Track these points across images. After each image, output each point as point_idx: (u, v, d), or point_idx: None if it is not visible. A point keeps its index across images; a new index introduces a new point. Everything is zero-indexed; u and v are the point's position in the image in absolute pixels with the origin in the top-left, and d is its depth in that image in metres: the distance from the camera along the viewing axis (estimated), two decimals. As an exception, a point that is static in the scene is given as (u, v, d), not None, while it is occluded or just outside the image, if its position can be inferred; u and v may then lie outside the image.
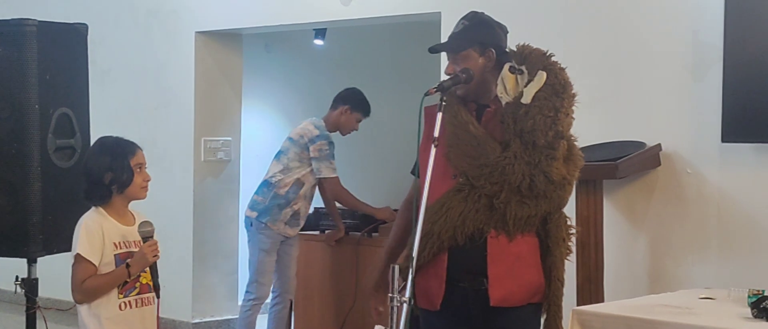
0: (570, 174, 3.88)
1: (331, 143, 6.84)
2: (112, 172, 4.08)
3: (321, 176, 6.79)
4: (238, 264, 8.80)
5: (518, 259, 3.84)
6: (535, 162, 3.77)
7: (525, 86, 3.79)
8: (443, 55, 6.34)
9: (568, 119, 3.85)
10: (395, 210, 6.78)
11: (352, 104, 7.01)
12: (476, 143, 3.82)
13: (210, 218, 8.60)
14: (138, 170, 4.15)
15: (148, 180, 4.21)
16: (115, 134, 4.29)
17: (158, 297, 4.16)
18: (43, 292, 4.96)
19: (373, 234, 7.03)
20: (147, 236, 4.12)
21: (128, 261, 4.06)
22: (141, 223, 4.15)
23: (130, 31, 8.93)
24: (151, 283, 4.16)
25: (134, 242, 4.13)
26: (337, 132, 7.03)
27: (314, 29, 8.95)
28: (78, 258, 4.00)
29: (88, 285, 3.99)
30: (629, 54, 6.03)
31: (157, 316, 4.19)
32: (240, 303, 8.68)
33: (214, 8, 8.40)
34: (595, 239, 5.70)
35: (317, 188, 6.96)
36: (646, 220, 5.93)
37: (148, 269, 4.13)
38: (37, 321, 4.90)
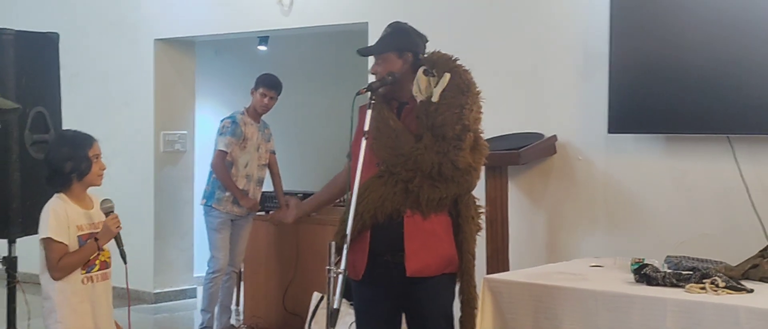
0: (476, 162, 3.89)
1: (234, 123, 6.73)
2: (72, 161, 3.97)
3: (216, 148, 6.72)
4: (194, 241, 8.75)
5: (432, 235, 3.84)
6: (444, 152, 3.78)
7: (434, 87, 3.80)
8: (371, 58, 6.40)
9: (473, 114, 3.85)
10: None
11: (255, 86, 6.94)
12: (395, 136, 3.83)
13: (168, 202, 8.52)
14: (95, 159, 4.03)
15: (104, 169, 4.08)
16: (84, 130, 4.19)
17: (126, 262, 4.07)
18: (22, 268, 4.87)
19: (312, 214, 6.99)
20: (108, 211, 4.04)
21: (96, 234, 3.98)
22: (102, 201, 4.06)
23: (96, 39, 8.78)
24: (108, 260, 4.07)
25: (95, 223, 4.04)
26: (264, 115, 6.93)
27: (258, 37, 8.91)
28: (49, 240, 3.88)
29: (64, 262, 3.89)
30: (529, 60, 6.07)
31: (127, 287, 4.08)
32: (195, 274, 8.65)
33: (170, 18, 8.30)
34: (502, 216, 5.74)
35: (267, 167, 6.93)
36: (544, 200, 5.98)
37: (111, 242, 4.06)
38: (17, 294, 4.82)
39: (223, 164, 6.69)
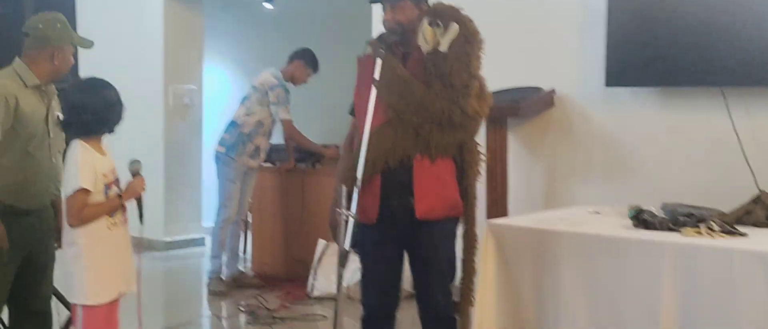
0: (481, 109, 3.87)
1: (287, 91, 6.81)
2: (117, 108, 3.87)
3: (278, 118, 6.77)
4: (201, 192, 8.76)
5: (439, 179, 3.83)
6: (454, 99, 3.76)
7: (442, 37, 3.78)
8: (374, 12, 6.38)
9: (477, 62, 3.84)
10: (337, 147, 6.79)
11: (306, 60, 6.97)
12: (403, 84, 3.80)
13: (178, 154, 8.54)
14: None
15: None
16: None
17: (142, 223, 4.03)
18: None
19: (317, 165, 7.02)
20: (136, 172, 3.97)
21: (120, 193, 3.90)
22: (131, 161, 3.97)
23: (108, -4, 8.76)
24: (125, 205, 3.97)
25: (114, 169, 3.97)
26: (291, 83, 6.97)
27: (264, -6, 8.87)
28: (80, 189, 3.76)
29: (86, 212, 3.81)
30: (530, 16, 6.04)
31: (140, 237, 4.05)
32: (203, 224, 8.67)
33: (179, -24, 8.26)
34: (501, 166, 5.74)
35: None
36: (543, 151, 5.97)
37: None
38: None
39: (298, 131, 6.85)
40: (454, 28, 3.75)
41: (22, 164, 4.02)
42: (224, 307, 6.52)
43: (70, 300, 3.90)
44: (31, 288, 4.18)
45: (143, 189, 3.97)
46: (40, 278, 4.21)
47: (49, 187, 4.11)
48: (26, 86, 4.03)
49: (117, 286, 3.92)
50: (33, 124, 4.02)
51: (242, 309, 6.32)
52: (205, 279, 7.03)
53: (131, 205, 3.98)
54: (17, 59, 4.08)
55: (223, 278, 6.88)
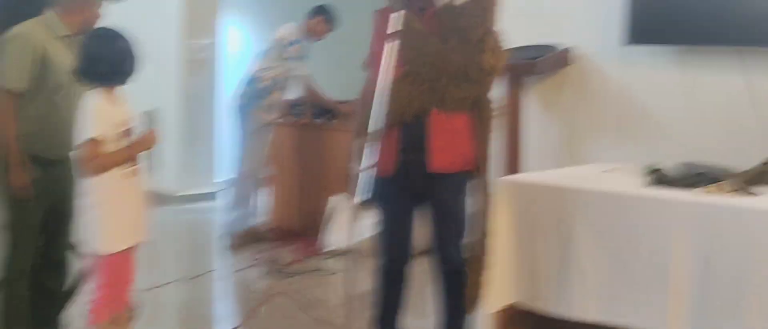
0: (496, 64, 3.86)
1: (305, 47, 6.80)
2: (129, 60, 3.81)
3: (296, 73, 6.77)
4: (216, 146, 8.79)
5: (455, 133, 3.84)
6: (470, 54, 3.76)
7: None
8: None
9: (493, 16, 3.83)
10: (353, 103, 6.78)
11: (327, 17, 6.94)
12: (420, 38, 3.80)
13: (193, 109, 8.55)
14: None
15: None
16: None
17: (154, 176, 4.04)
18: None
19: (333, 121, 7.03)
20: (150, 124, 3.93)
21: (132, 143, 3.94)
22: (146, 113, 3.99)
23: (124, -51, 8.72)
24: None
25: (127, 119, 3.98)
26: (310, 38, 6.95)
27: (281, -54, 8.81)
28: (92, 139, 3.73)
29: (98, 163, 3.80)
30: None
31: (153, 190, 4.05)
32: (217, 179, 8.71)
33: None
34: (516, 124, 5.75)
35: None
36: (559, 109, 5.96)
37: None
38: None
39: (315, 86, 6.89)
40: None
41: (47, 113, 4.05)
42: (237, 260, 6.56)
43: (84, 249, 3.93)
44: (51, 237, 4.22)
45: (156, 141, 3.97)
46: (62, 228, 4.25)
47: (73, 137, 4.14)
48: (56, 37, 4.04)
49: (130, 236, 3.93)
50: (60, 74, 4.03)
51: (255, 262, 6.36)
52: (218, 233, 7.07)
53: (144, 157, 3.99)
54: (48, 10, 4.10)
55: (237, 231, 6.92)
